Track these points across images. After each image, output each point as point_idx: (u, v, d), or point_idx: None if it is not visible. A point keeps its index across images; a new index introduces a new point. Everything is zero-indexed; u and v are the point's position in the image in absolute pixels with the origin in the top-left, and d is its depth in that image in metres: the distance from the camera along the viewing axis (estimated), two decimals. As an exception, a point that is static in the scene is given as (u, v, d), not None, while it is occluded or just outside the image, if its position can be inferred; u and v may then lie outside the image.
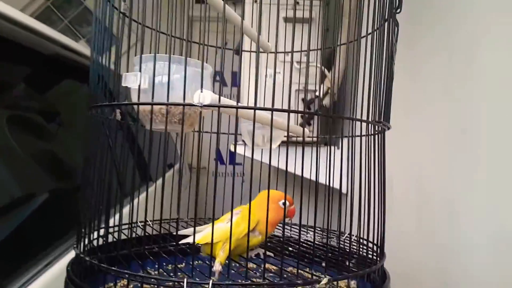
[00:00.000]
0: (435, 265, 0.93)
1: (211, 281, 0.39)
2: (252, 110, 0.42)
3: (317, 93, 1.60)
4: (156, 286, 0.43)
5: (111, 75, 0.49)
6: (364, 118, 0.51)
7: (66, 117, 1.06)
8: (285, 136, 0.88)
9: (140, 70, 0.43)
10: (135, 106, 0.44)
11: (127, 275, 0.42)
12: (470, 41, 0.85)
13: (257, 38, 0.43)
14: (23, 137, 0.84)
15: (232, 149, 1.59)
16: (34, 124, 0.93)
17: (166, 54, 0.46)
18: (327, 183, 0.48)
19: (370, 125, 0.54)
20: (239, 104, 0.41)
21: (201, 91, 0.39)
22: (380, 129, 0.56)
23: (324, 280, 0.43)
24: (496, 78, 0.77)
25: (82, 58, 1.10)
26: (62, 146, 1.01)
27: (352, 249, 0.61)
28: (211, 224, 0.42)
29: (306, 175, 0.66)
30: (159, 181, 1.07)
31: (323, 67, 1.51)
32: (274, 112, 0.65)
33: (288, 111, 0.42)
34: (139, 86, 0.42)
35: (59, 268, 0.69)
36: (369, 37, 0.57)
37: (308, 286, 0.41)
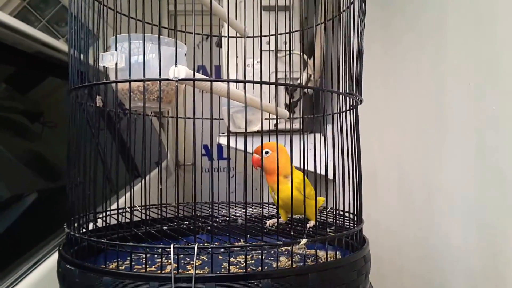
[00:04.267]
0: (415, 235, 0.97)
1: (196, 245, 0.41)
2: (226, 84, 0.44)
3: (299, 81, 1.63)
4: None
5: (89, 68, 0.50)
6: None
7: (49, 116, 1.06)
8: (266, 119, 0.90)
9: (116, 50, 0.44)
10: (114, 89, 0.46)
11: (116, 246, 0.44)
12: (438, 19, 0.88)
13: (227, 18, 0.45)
14: (7, 138, 0.84)
15: (219, 141, 1.61)
16: (18, 125, 0.93)
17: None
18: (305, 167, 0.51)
19: (345, 101, 0.57)
20: (213, 78, 0.43)
21: (176, 66, 0.41)
22: (354, 102, 0.59)
23: (303, 241, 0.46)
24: (464, 56, 0.80)
25: (64, 56, 1.10)
26: (47, 146, 1.01)
27: (332, 221, 0.64)
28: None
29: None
30: (147, 177, 1.08)
31: (302, 54, 1.53)
32: (252, 93, 0.68)
33: (261, 82, 0.44)
34: (116, 64, 0.44)
35: (47, 267, 0.71)
36: (341, 17, 0.60)
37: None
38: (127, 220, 0.68)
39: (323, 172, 0.54)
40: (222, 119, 0.83)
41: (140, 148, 0.60)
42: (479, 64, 0.75)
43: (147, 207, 0.71)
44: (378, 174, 1.16)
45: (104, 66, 0.46)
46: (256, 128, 0.82)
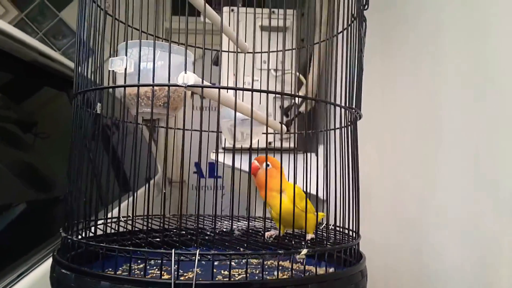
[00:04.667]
0: (409, 253, 0.97)
1: (198, 251, 0.41)
2: (233, 93, 0.45)
3: (293, 101, 1.65)
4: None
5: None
6: (338, 112, 0.55)
7: (43, 127, 1.05)
8: (263, 133, 0.91)
9: (126, 55, 0.45)
10: (121, 93, 0.46)
11: (115, 250, 0.44)
12: (435, 31, 0.91)
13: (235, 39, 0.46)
14: None
15: (213, 157, 1.60)
16: (9, 134, 0.92)
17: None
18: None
19: (344, 116, 0.59)
20: (221, 85, 0.44)
21: (185, 73, 0.42)
22: (353, 118, 0.60)
23: (304, 251, 0.46)
24: (460, 70, 0.82)
25: (61, 67, 1.10)
26: (39, 157, 1.00)
27: (330, 236, 0.65)
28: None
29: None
30: (139, 191, 1.07)
31: (299, 74, 1.56)
32: (254, 107, 0.68)
33: (267, 91, 0.45)
34: (125, 69, 0.44)
35: (33, 278, 0.69)
36: (341, 35, 0.62)
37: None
38: (124, 230, 0.67)
39: (320, 191, 0.54)
40: (221, 132, 0.83)
41: (133, 162, 0.60)
42: (477, 78, 0.77)
43: (144, 217, 0.71)
44: (372, 191, 1.17)
45: (112, 71, 0.47)
46: (254, 141, 0.83)
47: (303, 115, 1.53)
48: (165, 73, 0.44)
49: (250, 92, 0.45)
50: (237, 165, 0.94)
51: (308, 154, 0.55)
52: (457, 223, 0.82)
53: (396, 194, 1.05)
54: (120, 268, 0.59)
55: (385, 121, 1.12)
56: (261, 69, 1.64)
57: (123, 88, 0.46)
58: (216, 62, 1.75)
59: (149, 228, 0.65)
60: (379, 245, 1.10)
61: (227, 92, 0.50)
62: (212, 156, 1.56)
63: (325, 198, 0.54)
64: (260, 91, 0.46)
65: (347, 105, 0.57)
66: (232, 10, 1.65)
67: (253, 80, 0.47)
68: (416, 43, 0.98)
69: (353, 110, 0.58)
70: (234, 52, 0.84)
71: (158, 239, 0.57)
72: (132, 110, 0.48)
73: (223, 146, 1.63)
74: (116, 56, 0.48)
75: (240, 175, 0.86)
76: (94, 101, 0.51)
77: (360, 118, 0.61)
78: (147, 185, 0.47)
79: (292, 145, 1.49)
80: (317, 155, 0.59)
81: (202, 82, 0.43)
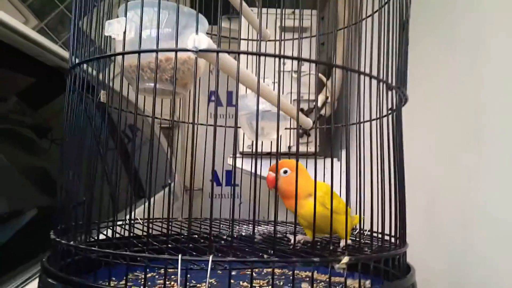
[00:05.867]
0: (447, 272, 0.86)
1: (211, 257, 0.32)
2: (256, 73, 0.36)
3: (315, 103, 1.57)
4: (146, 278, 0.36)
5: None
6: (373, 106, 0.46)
7: (60, 133, 1.03)
8: (286, 129, 0.82)
9: (125, 17, 0.37)
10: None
11: (109, 256, 0.35)
12: (476, 33, 0.81)
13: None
14: (12, 151, 0.80)
15: (230, 162, 1.53)
16: (25, 139, 0.88)
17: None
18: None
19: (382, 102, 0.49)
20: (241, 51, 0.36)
21: (196, 34, 0.34)
22: (396, 103, 0.50)
23: (345, 259, 0.36)
24: (502, 74, 0.73)
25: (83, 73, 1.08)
26: (54, 163, 0.97)
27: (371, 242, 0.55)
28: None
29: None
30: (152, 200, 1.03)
31: (320, 74, 1.48)
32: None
33: (298, 59, 0.37)
34: (124, 33, 0.37)
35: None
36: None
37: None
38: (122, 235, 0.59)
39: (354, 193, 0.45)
40: (239, 127, 0.75)
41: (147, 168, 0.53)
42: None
43: (151, 220, 0.63)
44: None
45: (110, 38, 0.39)
46: (275, 136, 0.74)
47: (325, 118, 1.44)
48: (173, 42, 0.36)
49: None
50: (256, 171, 0.85)
51: (344, 152, 0.46)
52: (503, 228, 0.70)
53: (431, 201, 0.94)
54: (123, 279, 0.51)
55: (416, 116, 1.01)
56: (283, 71, 1.57)
57: (121, 60, 0.38)
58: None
59: (152, 234, 0.57)
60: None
61: (248, 69, 0.42)
62: (229, 161, 1.47)
63: (359, 200, 0.45)
64: (286, 57, 0.37)
65: (390, 83, 0.47)
66: (252, 10, 1.59)
67: (279, 71, 0.39)
68: (456, 34, 0.89)
69: (398, 89, 0.48)
70: (256, 40, 0.76)
71: (165, 245, 0.49)
72: (133, 86, 0.41)
73: (241, 150, 1.55)
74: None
75: (260, 182, 0.77)
76: (84, 80, 0.44)
77: (405, 102, 0.51)
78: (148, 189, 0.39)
79: (311, 149, 1.40)
80: (349, 151, 0.50)
81: (218, 45, 0.35)
